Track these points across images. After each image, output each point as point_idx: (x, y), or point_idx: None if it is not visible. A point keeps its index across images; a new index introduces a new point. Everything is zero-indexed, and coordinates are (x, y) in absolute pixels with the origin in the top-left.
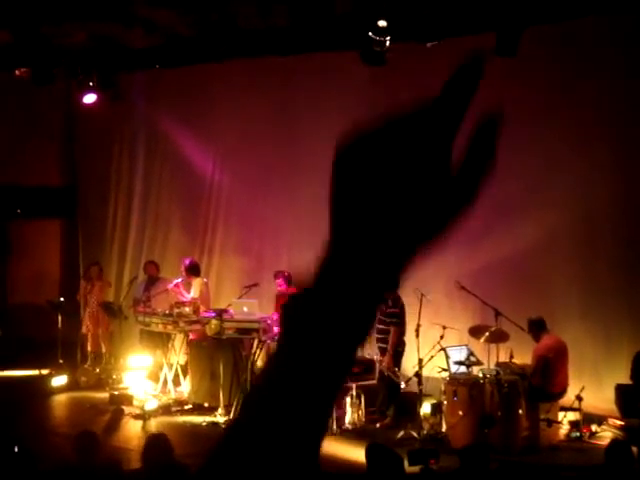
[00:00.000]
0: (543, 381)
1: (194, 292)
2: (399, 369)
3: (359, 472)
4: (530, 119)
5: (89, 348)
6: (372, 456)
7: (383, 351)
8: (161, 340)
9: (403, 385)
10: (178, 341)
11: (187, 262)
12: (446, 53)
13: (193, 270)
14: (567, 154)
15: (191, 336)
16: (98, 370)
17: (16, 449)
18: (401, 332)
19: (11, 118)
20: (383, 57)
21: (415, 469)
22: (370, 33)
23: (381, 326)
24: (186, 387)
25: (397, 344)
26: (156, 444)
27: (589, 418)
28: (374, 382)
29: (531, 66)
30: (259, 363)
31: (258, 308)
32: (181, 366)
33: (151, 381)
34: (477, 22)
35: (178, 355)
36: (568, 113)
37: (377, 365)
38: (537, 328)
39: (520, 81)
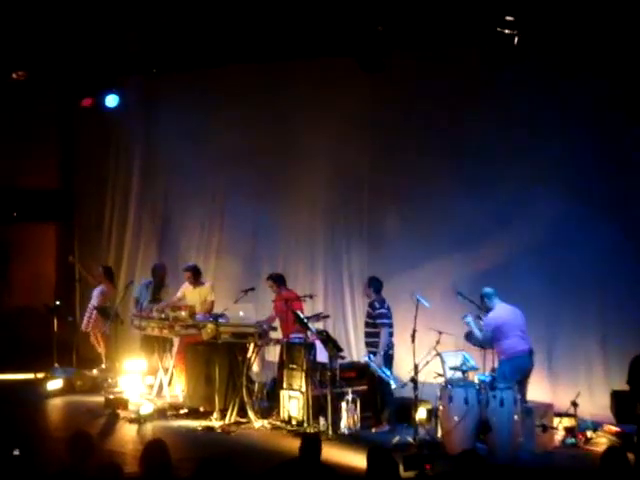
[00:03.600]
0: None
1: (199, 298)
2: (391, 372)
3: (355, 476)
4: (522, 124)
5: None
6: (373, 459)
7: (374, 355)
8: (160, 344)
9: (394, 385)
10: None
11: (192, 266)
12: (446, 60)
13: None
14: (558, 160)
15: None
16: (94, 373)
17: (17, 452)
18: (390, 333)
19: (7, 121)
20: (382, 64)
21: (411, 474)
22: (369, 40)
23: (370, 329)
24: (178, 391)
25: (387, 344)
26: (154, 450)
27: (584, 424)
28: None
29: (521, 72)
30: (254, 367)
31: (254, 312)
32: (165, 369)
33: (147, 385)
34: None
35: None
36: (559, 111)
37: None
38: (489, 299)
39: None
